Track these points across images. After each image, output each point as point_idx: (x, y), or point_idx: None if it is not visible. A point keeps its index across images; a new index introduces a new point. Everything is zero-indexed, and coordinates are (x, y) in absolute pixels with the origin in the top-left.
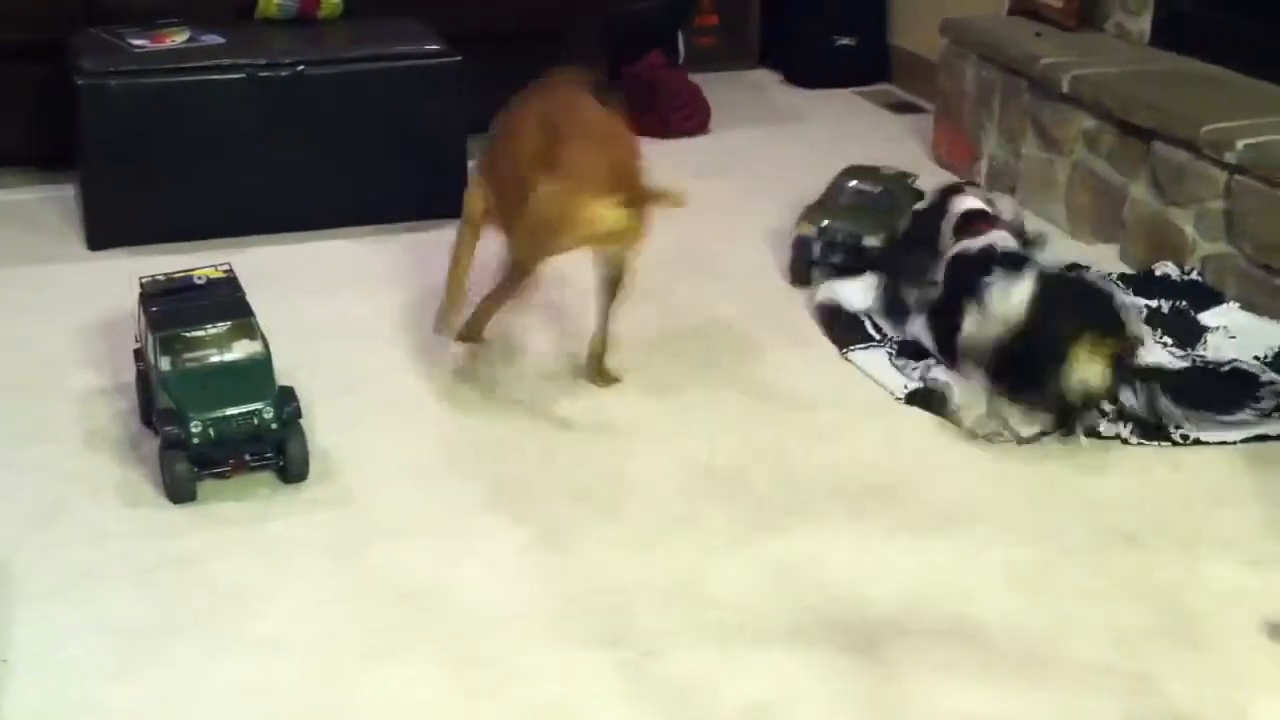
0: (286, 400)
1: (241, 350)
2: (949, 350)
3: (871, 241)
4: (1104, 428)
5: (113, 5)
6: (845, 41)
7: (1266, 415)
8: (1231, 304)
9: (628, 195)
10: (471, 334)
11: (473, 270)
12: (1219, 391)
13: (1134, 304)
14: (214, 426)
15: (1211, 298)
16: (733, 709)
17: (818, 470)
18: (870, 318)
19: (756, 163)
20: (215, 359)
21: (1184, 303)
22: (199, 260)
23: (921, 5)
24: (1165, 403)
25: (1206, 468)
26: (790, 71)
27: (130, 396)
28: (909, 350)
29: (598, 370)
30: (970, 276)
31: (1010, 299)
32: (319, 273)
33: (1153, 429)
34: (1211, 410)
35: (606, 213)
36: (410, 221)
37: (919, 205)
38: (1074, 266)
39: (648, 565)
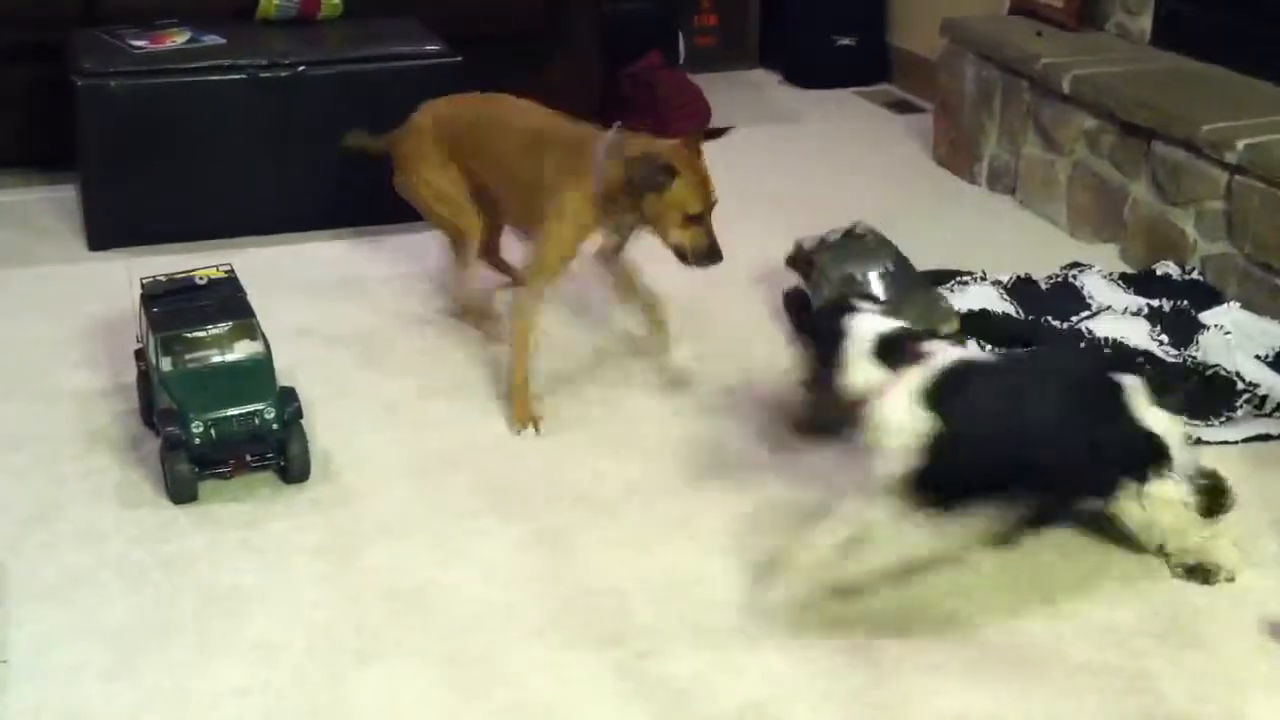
0: (288, 401)
1: (242, 351)
2: None
3: (872, 275)
4: None
5: (113, 6)
6: (845, 41)
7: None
8: (1232, 304)
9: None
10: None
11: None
12: (1198, 396)
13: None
14: (215, 427)
15: (1212, 297)
16: (729, 708)
17: (816, 472)
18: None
19: (756, 162)
20: (216, 359)
21: (1185, 302)
22: (200, 260)
23: (921, 5)
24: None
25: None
26: (790, 71)
27: (131, 397)
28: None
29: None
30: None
31: None
32: (319, 273)
33: None
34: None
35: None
36: (411, 222)
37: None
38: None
39: (645, 565)
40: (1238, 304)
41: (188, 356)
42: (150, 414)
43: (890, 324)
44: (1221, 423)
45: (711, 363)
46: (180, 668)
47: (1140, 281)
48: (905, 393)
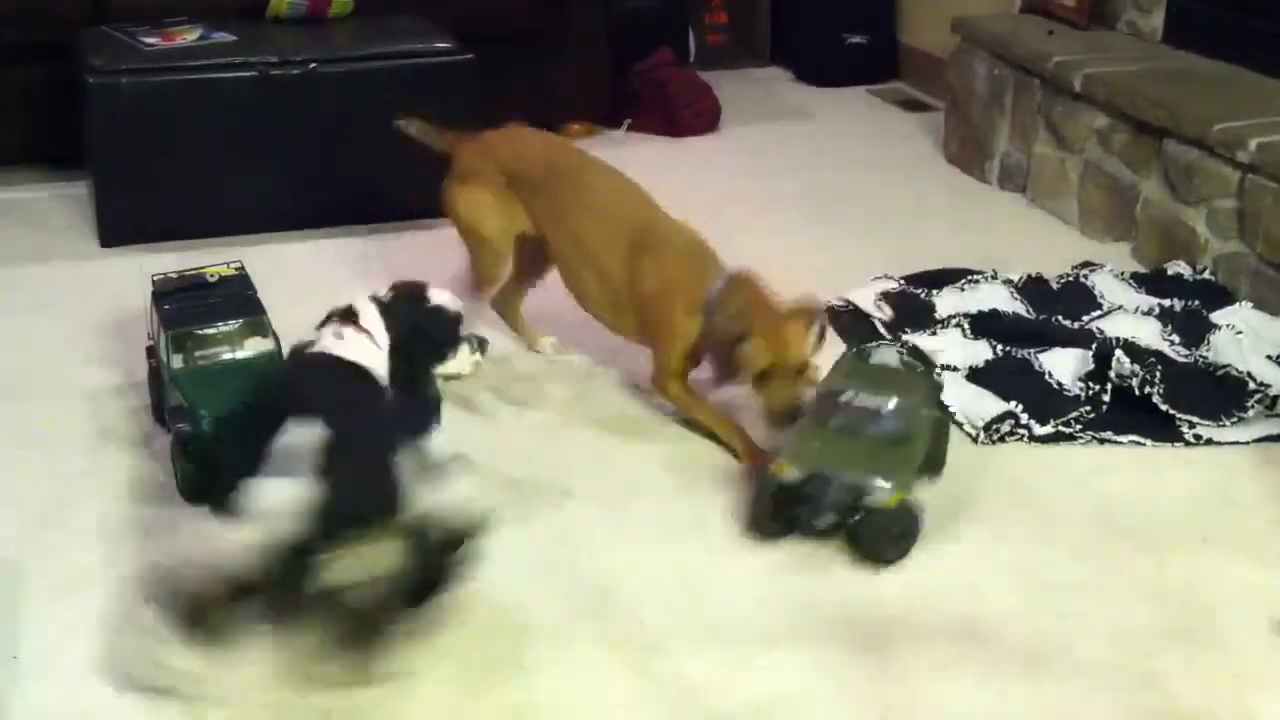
0: None
1: (253, 348)
2: None
3: (880, 498)
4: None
5: (123, 3)
6: (855, 39)
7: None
8: (1244, 303)
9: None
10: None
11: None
12: (1209, 395)
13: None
14: (225, 424)
15: (1224, 297)
16: (739, 707)
17: None
18: (878, 319)
19: (767, 160)
20: (227, 356)
21: (1196, 302)
22: (211, 258)
23: (932, 3)
24: (1155, 390)
25: (1216, 467)
26: (800, 69)
27: (142, 394)
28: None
29: None
30: None
31: None
32: (330, 270)
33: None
34: (1196, 414)
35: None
36: (422, 219)
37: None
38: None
39: (655, 564)
40: (1249, 304)
41: (198, 353)
42: (161, 411)
43: None
44: (1233, 423)
45: None
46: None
47: (1152, 281)
48: None
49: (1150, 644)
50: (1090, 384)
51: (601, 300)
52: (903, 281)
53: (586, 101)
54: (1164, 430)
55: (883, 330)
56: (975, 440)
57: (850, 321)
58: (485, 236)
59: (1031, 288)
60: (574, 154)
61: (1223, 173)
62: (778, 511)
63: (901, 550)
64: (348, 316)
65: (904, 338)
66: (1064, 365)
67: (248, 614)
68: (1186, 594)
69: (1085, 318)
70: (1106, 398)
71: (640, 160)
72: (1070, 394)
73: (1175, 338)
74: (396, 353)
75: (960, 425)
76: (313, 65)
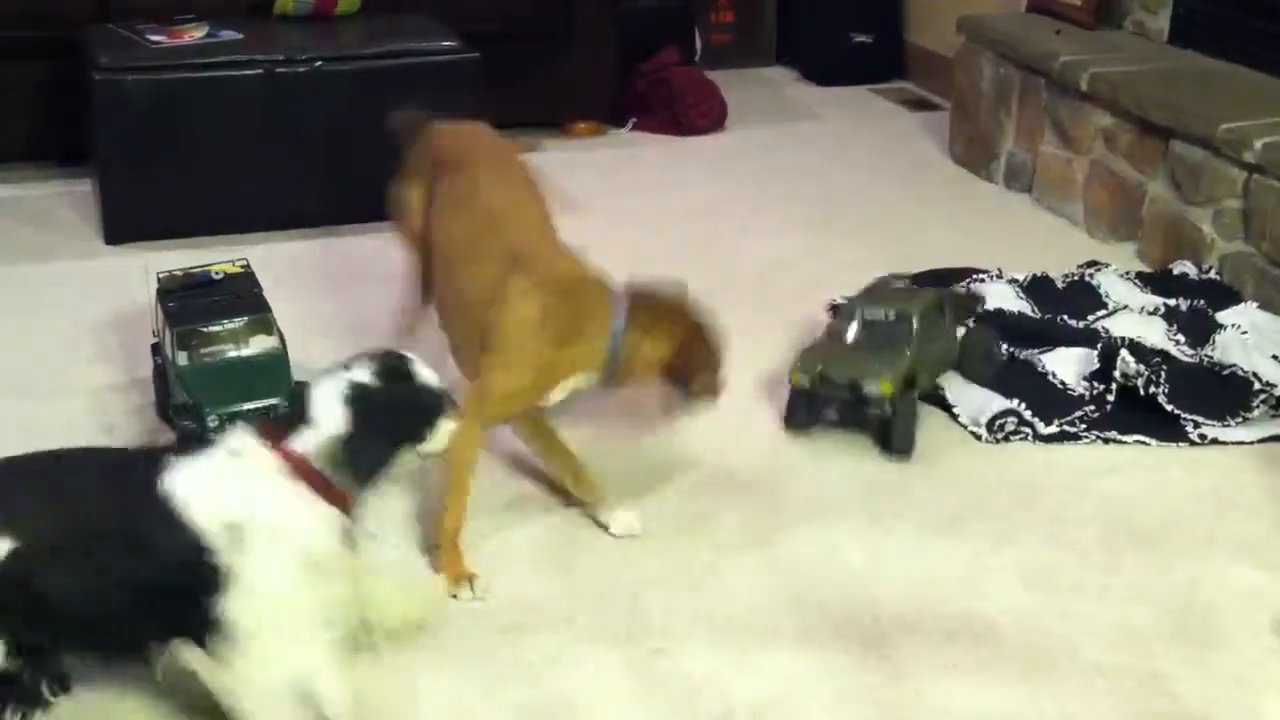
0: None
1: (258, 345)
2: None
3: (876, 390)
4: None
5: (130, 1)
6: (861, 39)
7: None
8: (1249, 303)
9: None
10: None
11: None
12: (1213, 395)
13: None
14: (230, 421)
15: (1229, 297)
16: (742, 706)
17: (830, 468)
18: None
19: (773, 159)
20: (232, 354)
21: (1202, 302)
22: (216, 255)
23: (938, 2)
24: (1160, 390)
25: (1221, 468)
26: (806, 68)
27: (147, 391)
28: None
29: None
30: None
31: None
32: (336, 268)
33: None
34: (1201, 414)
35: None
36: None
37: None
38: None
39: (659, 563)
40: (1255, 304)
41: (203, 351)
42: (166, 408)
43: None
44: (1238, 423)
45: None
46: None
47: (1157, 280)
48: None
49: (1154, 645)
50: (1095, 383)
51: (458, 315)
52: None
53: (592, 100)
54: (1169, 430)
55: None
56: (979, 439)
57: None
58: (406, 237)
59: (1037, 287)
60: (492, 153)
61: (1229, 173)
62: (794, 412)
63: (903, 439)
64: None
65: None
66: (1067, 365)
67: None
68: (1191, 595)
69: (1090, 317)
70: (1111, 397)
71: (646, 159)
72: (1074, 393)
73: (1181, 337)
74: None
75: (964, 425)
76: (318, 63)
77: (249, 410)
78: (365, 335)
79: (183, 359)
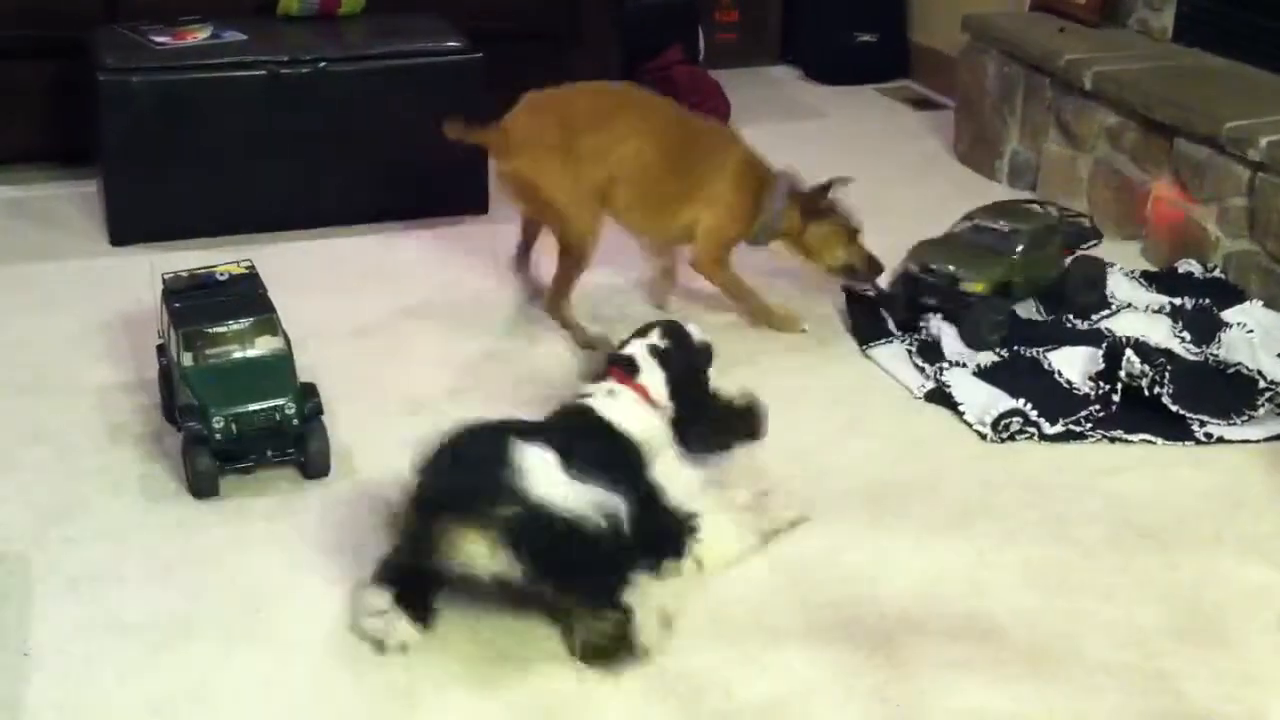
0: (308, 397)
1: (263, 346)
2: None
3: (970, 286)
4: None
5: (135, 2)
6: (866, 37)
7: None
8: (1254, 301)
9: None
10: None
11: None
12: (1218, 394)
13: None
14: (236, 422)
15: (1234, 295)
16: (748, 705)
17: (835, 466)
18: (890, 315)
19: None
20: (237, 355)
21: (1207, 300)
22: (221, 256)
23: (942, 1)
24: (1164, 389)
25: (1227, 467)
26: (810, 67)
27: (152, 392)
28: (929, 349)
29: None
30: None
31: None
32: (340, 269)
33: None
34: (1205, 413)
35: None
36: (431, 218)
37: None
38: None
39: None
40: (1260, 302)
41: (209, 352)
42: (172, 409)
43: None
44: (1243, 421)
45: (731, 366)
46: (201, 662)
47: (1162, 279)
48: None
49: (1160, 644)
50: (1100, 383)
51: (656, 216)
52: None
53: None
54: (1175, 429)
55: (891, 326)
56: (984, 438)
57: (859, 308)
58: (560, 188)
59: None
60: (634, 93)
61: (1233, 171)
62: (902, 302)
63: (988, 336)
64: (628, 368)
65: (923, 326)
66: (1073, 364)
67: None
68: (1197, 594)
69: (1095, 316)
70: (1117, 397)
71: None
72: (1080, 393)
73: (1186, 335)
74: (677, 395)
75: (969, 423)
76: (322, 64)
77: (254, 411)
78: (371, 335)
79: (188, 360)
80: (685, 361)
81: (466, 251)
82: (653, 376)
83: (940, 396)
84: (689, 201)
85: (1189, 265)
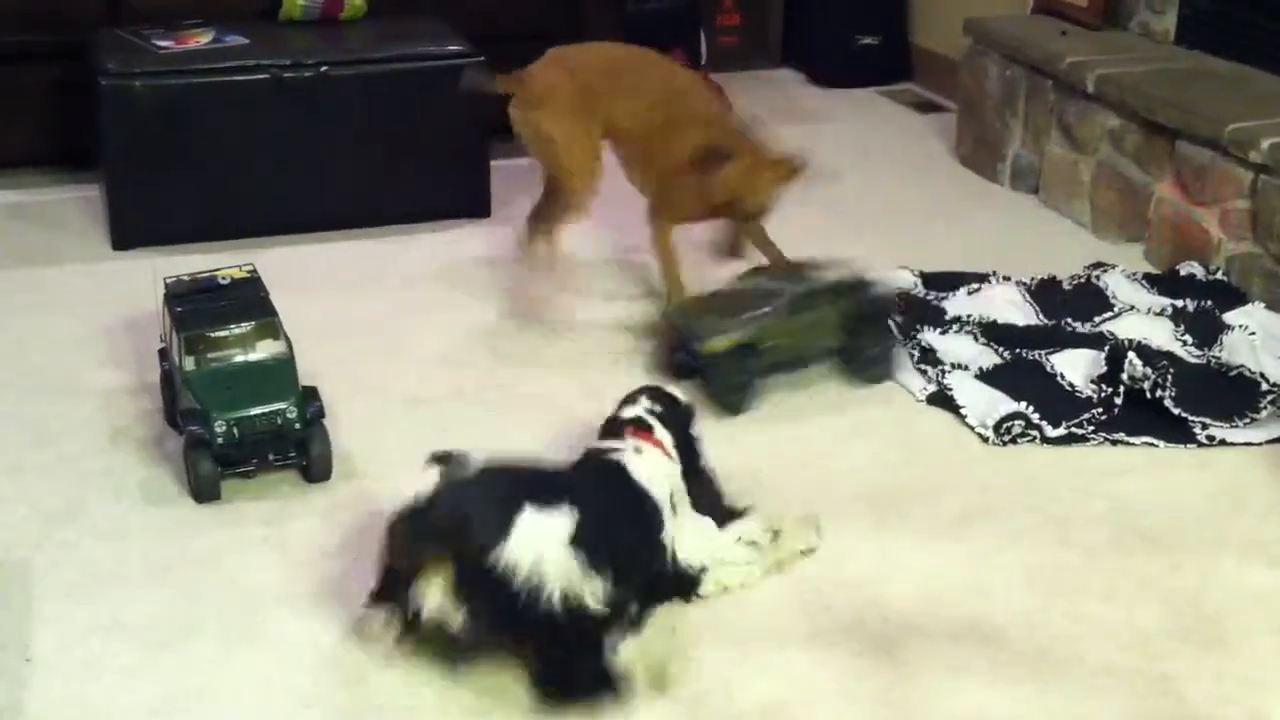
0: (310, 400)
1: (265, 350)
2: None
3: (708, 345)
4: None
5: (137, 6)
6: (867, 41)
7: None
8: (1256, 304)
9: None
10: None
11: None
12: (1220, 396)
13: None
14: (237, 426)
15: (1236, 298)
16: (750, 708)
17: (837, 470)
18: (894, 320)
19: None
20: (239, 359)
21: (1209, 302)
22: (223, 260)
23: (944, 4)
24: (1166, 391)
25: (1229, 469)
26: (812, 71)
27: (154, 396)
28: (930, 353)
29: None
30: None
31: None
32: (342, 273)
33: None
34: (1207, 415)
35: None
36: (432, 221)
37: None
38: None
39: None
40: (1262, 304)
41: (210, 356)
42: (173, 413)
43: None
44: (1245, 424)
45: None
46: (202, 665)
47: (1164, 281)
48: None
49: (1161, 646)
50: (1103, 386)
51: (655, 172)
52: (920, 274)
53: None
54: (1177, 431)
55: (895, 331)
56: (986, 441)
57: None
58: (570, 137)
59: (1043, 289)
60: (643, 54)
61: (1235, 173)
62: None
63: (726, 398)
64: (639, 428)
65: (917, 337)
66: (1076, 367)
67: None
68: (1198, 597)
69: (1097, 318)
70: (1119, 400)
71: None
72: (1082, 396)
73: (1188, 338)
74: (683, 450)
75: (971, 426)
76: (324, 68)
77: (256, 415)
78: (373, 339)
79: (190, 363)
80: (679, 422)
81: (468, 255)
82: (664, 434)
83: (942, 399)
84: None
85: (1191, 267)
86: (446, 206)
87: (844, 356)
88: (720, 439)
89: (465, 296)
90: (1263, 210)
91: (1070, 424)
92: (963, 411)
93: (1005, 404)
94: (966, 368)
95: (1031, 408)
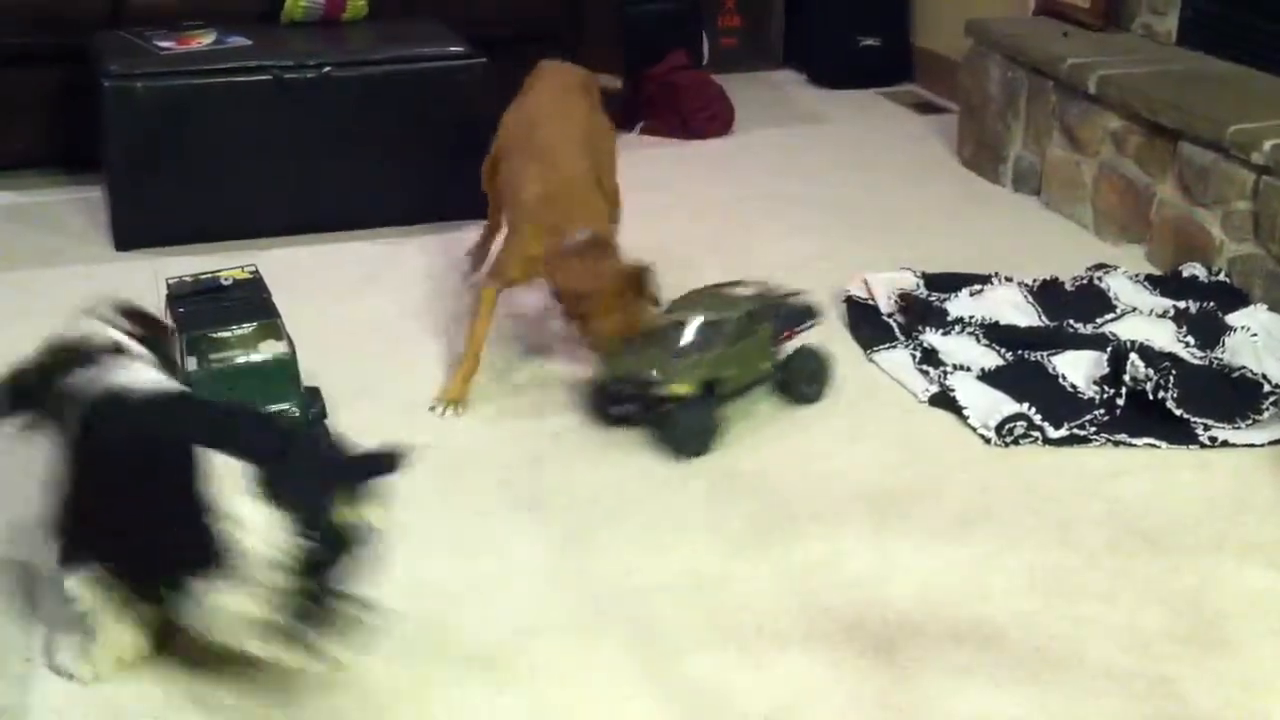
0: (312, 401)
1: (267, 351)
2: None
3: (670, 389)
4: None
5: (139, 8)
6: (869, 42)
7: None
8: (1259, 305)
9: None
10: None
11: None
12: (1223, 398)
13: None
14: None
15: (1239, 299)
16: (752, 710)
17: (839, 471)
18: (896, 320)
19: (781, 162)
20: (241, 360)
21: (1211, 304)
22: (225, 261)
23: (945, 5)
24: (1168, 393)
25: (1231, 471)
26: (813, 72)
27: None
28: (933, 355)
29: None
30: None
31: None
32: (343, 274)
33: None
34: (1209, 417)
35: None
36: (433, 223)
37: None
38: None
39: (668, 566)
40: (1264, 306)
41: (213, 357)
42: None
43: None
44: (1248, 425)
45: None
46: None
47: (1166, 283)
48: None
49: (1163, 649)
50: (1105, 387)
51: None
52: (922, 275)
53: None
54: (1179, 432)
55: (897, 330)
56: (988, 442)
57: (861, 312)
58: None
59: (1046, 290)
60: (557, 76)
61: (1238, 174)
62: (602, 405)
63: (696, 442)
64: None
65: (919, 338)
66: (1078, 368)
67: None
68: (1200, 599)
69: (1099, 320)
70: (1121, 401)
71: (653, 163)
72: (1084, 397)
73: (1190, 339)
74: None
75: (973, 427)
76: (326, 69)
77: None
78: (374, 340)
79: (192, 365)
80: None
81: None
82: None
83: (944, 400)
84: None
85: (1193, 269)
86: (448, 208)
87: (778, 378)
88: (722, 443)
89: (467, 298)
90: (1264, 212)
91: (1072, 425)
92: (965, 412)
93: (1008, 405)
94: (969, 369)
95: (1034, 409)
